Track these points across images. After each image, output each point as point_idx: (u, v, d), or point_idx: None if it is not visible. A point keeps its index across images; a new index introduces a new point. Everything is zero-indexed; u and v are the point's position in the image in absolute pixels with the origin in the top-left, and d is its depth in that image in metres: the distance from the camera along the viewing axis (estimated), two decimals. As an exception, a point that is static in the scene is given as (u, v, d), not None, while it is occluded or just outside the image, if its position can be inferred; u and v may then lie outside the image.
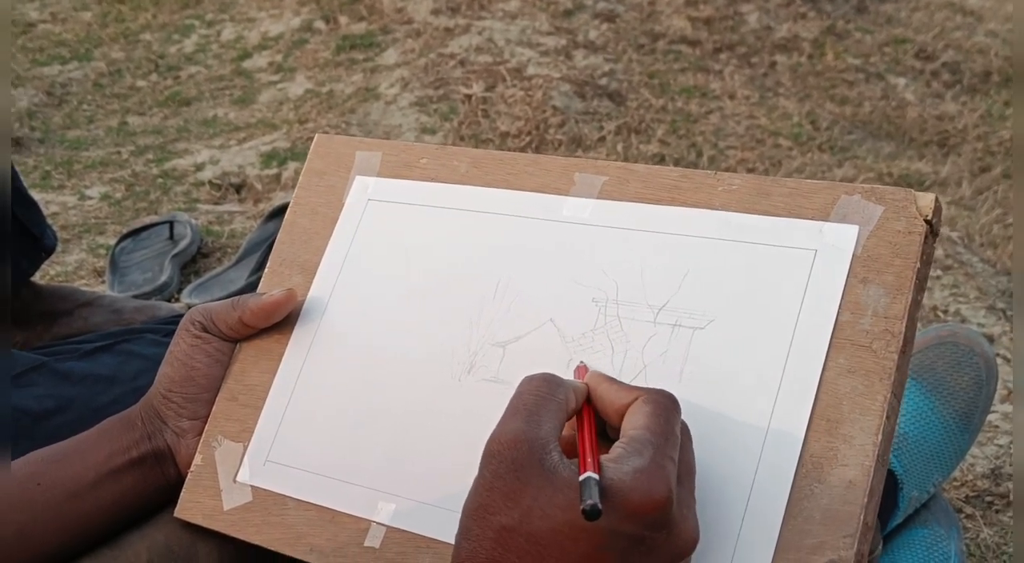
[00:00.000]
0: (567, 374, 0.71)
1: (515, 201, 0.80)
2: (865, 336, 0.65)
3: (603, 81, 2.49)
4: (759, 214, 0.71)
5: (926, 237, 0.67)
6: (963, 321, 1.60)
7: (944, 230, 1.99)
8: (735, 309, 0.69)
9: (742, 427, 0.65)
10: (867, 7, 2.98)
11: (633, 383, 0.69)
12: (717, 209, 0.73)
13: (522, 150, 2.21)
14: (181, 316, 1.46)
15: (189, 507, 0.81)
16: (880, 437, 0.63)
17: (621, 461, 0.57)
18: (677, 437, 0.60)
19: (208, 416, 0.83)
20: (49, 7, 3.07)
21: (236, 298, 0.84)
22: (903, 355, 0.65)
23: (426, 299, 0.80)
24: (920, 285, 0.66)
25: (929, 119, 2.49)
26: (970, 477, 1.33)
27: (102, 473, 0.80)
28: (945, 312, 1.65)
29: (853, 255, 0.67)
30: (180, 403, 0.83)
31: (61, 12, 3.05)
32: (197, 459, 0.82)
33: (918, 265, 0.66)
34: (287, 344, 0.83)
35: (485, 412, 0.74)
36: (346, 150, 0.89)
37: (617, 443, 0.59)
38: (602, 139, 2.28)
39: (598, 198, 0.77)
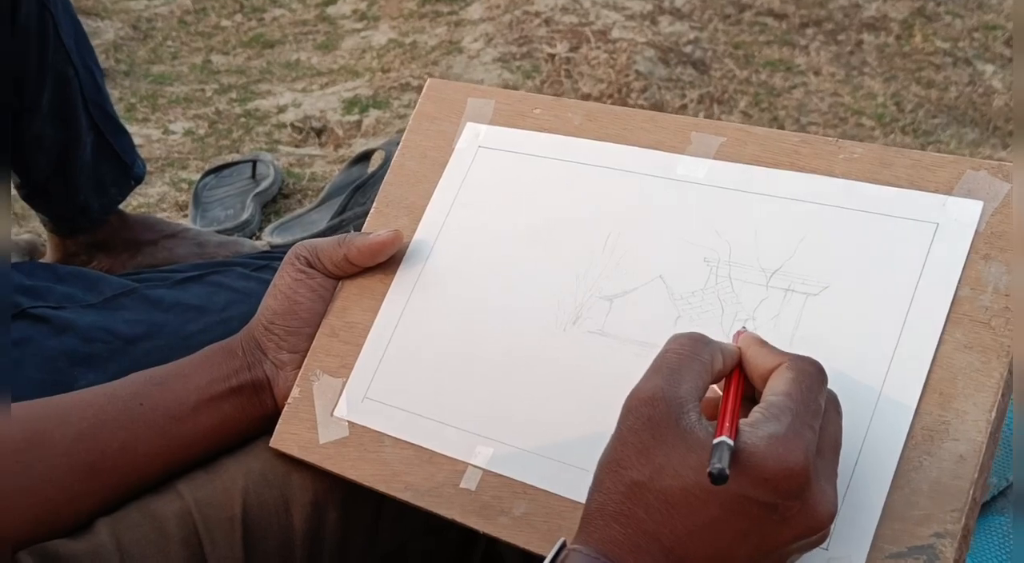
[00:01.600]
0: (673, 330, 0.71)
1: (629, 156, 0.80)
2: (984, 313, 0.65)
3: (687, 49, 2.47)
4: (880, 184, 0.71)
5: None
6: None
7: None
8: (851, 277, 0.69)
9: (853, 395, 0.65)
10: (958, -10, 2.93)
11: None
12: (837, 177, 0.72)
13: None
14: (267, 253, 1.48)
15: (285, 438, 0.82)
16: (994, 414, 0.63)
17: (757, 426, 0.57)
18: (819, 406, 0.59)
19: (308, 350, 0.84)
20: (139, -58, 3.09)
21: (342, 236, 0.84)
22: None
23: (533, 248, 0.80)
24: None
25: (1015, 108, 2.45)
26: None
27: (203, 398, 0.81)
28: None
29: (976, 231, 0.67)
30: (281, 336, 0.84)
31: (151, -53, 3.07)
32: (295, 391, 0.83)
33: None
34: (391, 284, 0.84)
35: (588, 363, 0.74)
36: (458, 96, 0.89)
37: (756, 408, 0.59)
38: (684, 107, 2.27)
39: (714, 158, 0.77)
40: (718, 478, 0.54)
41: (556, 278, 0.78)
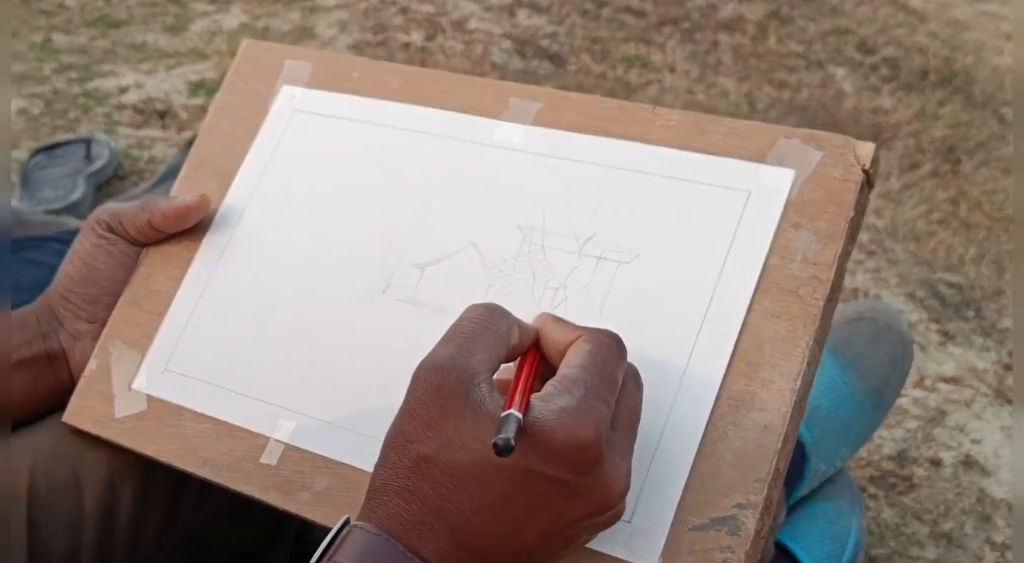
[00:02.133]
0: (485, 299, 0.69)
1: (445, 121, 0.77)
2: (793, 281, 0.64)
3: (544, 42, 2.46)
4: (695, 151, 0.69)
5: (862, 186, 0.65)
6: (878, 300, 1.61)
7: (871, 218, 2.00)
8: (662, 245, 0.67)
9: (660, 364, 0.63)
10: (813, -5, 2.98)
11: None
12: (652, 143, 0.70)
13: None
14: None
15: (79, 412, 0.77)
16: (799, 383, 0.61)
17: (549, 399, 0.54)
18: (616, 379, 0.56)
19: (107, 320, 0.79)
20: (-20, -86, 2.95)
21: (145, 200, 0.80)
22: (829, 303, 0.63)
23: (345, 215, 0.77)
24: (852, 234, 0.65)
25: (864, 111, 2.50)
26: (876, 457, 1.34)
27: None
28: (866, 295, 1.65)
29: (787, 199, 0.66)
30: (79, 304, 0.79)
31: (-8, -80, 2.93)
32: (92, 364, 0.78)
33: (852, 213, 0.65)
34: (197, 251, 0.80)
35: (397, 333, 0.71)
36: (275, 57, 0.86)
37: (550, 382, 0.56)
38: (539, 100, 2.26)
39: (531, 124, 0.75)
40: (503, 449, 0.51)
41: (367, 246, 0.75)
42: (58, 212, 1.73)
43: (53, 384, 0.79)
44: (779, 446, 0.60)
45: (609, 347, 0.57)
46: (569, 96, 0.75)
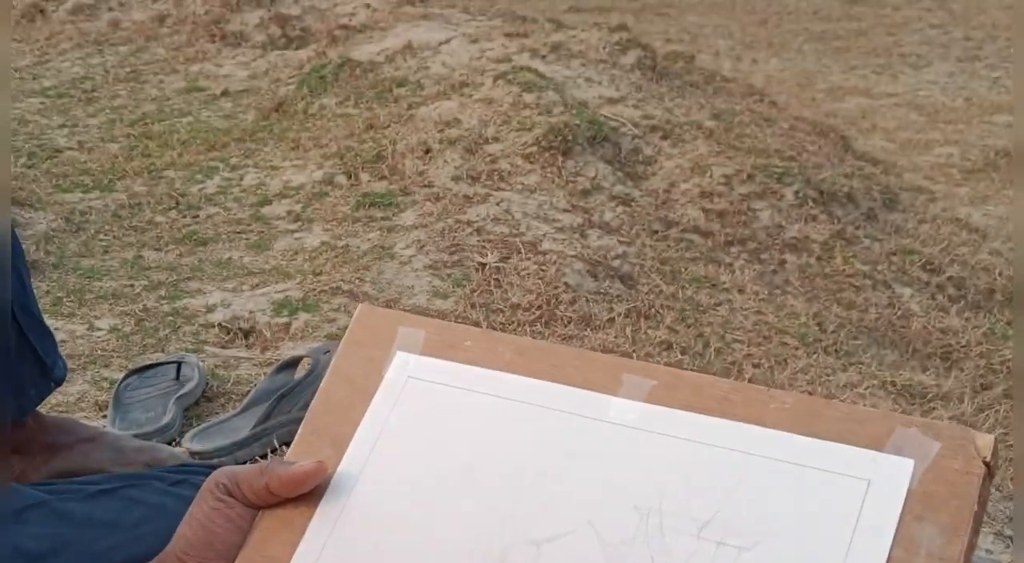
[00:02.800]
0: None
1: (559, 395, 0.79)
2: None
3: (615, 262, 2.52)
4: (811, 436, 0.71)
5: (984, 478, 0.66)
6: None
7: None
8: (783, 533, 0.68)
9: None
10: (876, 215, 3.04)
11: None
12: (768, 426, 0.72)
13: (531, 324, 2.22)
14: (186, 465, 1.45)
15: None
16: None
17: None
18: None
19: None
20: (77, 135, 3.12)
21: (264, 464, 0.82)
22: (957, 598, 0.64)
23: (461, 486, 0.79)
24: (976, 527, 0.65)
25: (933, 331, 2.52)
26: None
27: None
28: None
29: (908, 489, 0.67)
30: None
31: (89, 141, 3.10)
32: None
33: (976, 507, 0.65)
34: (312, 518, 0.81)
35: None
36: (389, 323, 0.89)
37: None
38: (611, 320, 2.30)
39: (645, 402, 0.77)
40: None
41: (483, 519, 0.76)
42: (149, 435, 1.76)
43: None
44: None
45: None
46: (683, 375, 0.77)
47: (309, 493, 0.82)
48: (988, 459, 0.66)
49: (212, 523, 0.81)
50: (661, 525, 0.71)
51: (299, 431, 0.86)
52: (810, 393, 2.10)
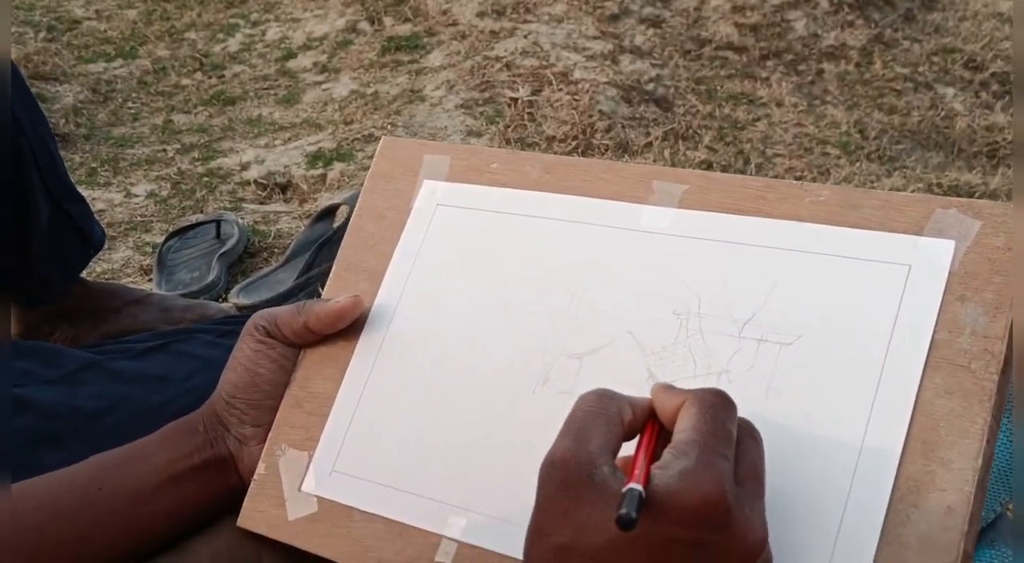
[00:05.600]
0: (646, 387, 0.69)
1: (590, 209, 0.78)
2: (963, 356, 0.63)
3: (649, 86, 2.47)
4: (848, 227, 0.69)
5: None
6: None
7: (996, 242, 1.96)
8: (824, 325, 0.67)
9: (833, 447, 0.63)
10: (915, 16, 2.94)
11: None
12: (804, 221, 0.71)
13: (568, 155, 2.19)
14: (232, 316, 1.46)
15: (252, 516, 0.79)
16: (980, 461, 0.60)
17: (668, 466, 0.55)
18: (729, 433, 0.57)
19: (272, 423, 0.82)
20: (94, 5, 3.07)
21: (301, 303, 0.82)
22: (1003, 376, 0.62)
23: (498, 308, 0.78)
24: (1021, 303, 0.64)
25: (978, 130, 2.46)
26: (1033, 497, 1.30)
27: (163, 478, 0.79)
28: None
29: (950, 271, 0.65)
30: (243, 409, 0.81)
31: (106, 10, 3.05)
32: (260, 468, 0.80)
33: (1020, 282, 0.64)
34: (353, 351, 0.82)
35: (560, 425, 0.72)
36: (413, 153, 0.88)
37: (666, 449, 0.57)
38: (648, 145, 2.26)
39: (678, 207, 0.75)
40: (625, 523, 0.52)
41: (523, 338, 0.76)
42: (195, 294, 1.78)
43: (224, 488, 0.81)
44: (966, 528, 0.59)
45: (716, 404, 0.59)
46: (715, 176, 0.75)
47: (349, 328, 0.82)
48: None
49: (255, 364, 0.82)
50: (701, 328, 0.70)
51: (333, 269, 0.86)
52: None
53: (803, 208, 0.71)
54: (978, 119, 2.49)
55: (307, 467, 0.79)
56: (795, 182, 0.72)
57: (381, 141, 0.90)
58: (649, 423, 0.61)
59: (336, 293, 0.84)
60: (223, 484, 0.81)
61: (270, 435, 0.81)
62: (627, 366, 0.71)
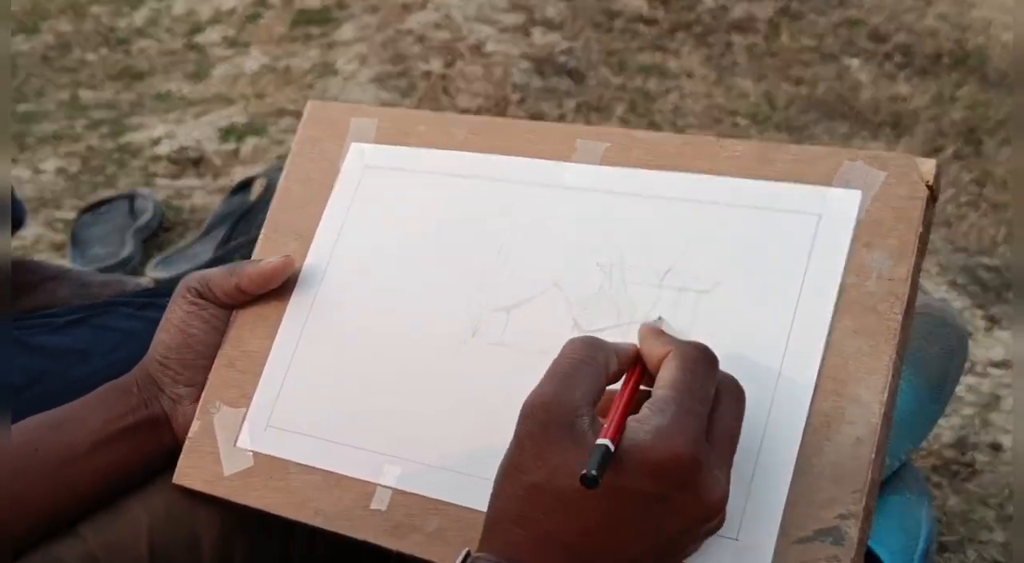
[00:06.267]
0: (571, 336, 0.72)
1: (516, 167, 0.80)
2: (870, 298, 0.67)
3: (562, 58, 2.50)
4: (762, 180, 0.72)
5: (928, 202, 0.68)
6: (926, 294, 1.63)
7: (900, 208, 2.02)
8: (740, 272, 0.70)
9: (749, 388, 0.66)
10: (820, -12, 3.00)
11: None
12: (721, 175, 0.74)
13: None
14: (151, 289, 1.45)
15: (188, 473, 0.81)
16: (886, 395, 0.64)
17: (644, 421, 0.58)
18: (706, 391, 0.61)
19: (204, 383, 0.83)
20: (-4, -22, 3.00)
21: (233, 265, 0.83)
22: (907, 316, 0.66)
23: (426, 265, 0.80)
24: (922, 249, 0.68)
25: (882, 100, 2.52)
26: (936, 446, 1.36)
27: (98, 439, 0.80)
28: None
29: (857, 220, 0.69)
30: (176, 370, 0.83)
31: (9, -17, 2.98)
32: (195, 426, 0.82)
33: (920, 229, 0.67)
34: (285, 310, 0.83)
35: (490, 375, 0.74)
36: (341, 116, 0.89)
37: (645, 403, 0.60)
38: (562, 117, 2.29)
39: (600, 164, 0.78)
40: (589, 482, 0.55)
41: (452, 293, 0.78)
42: (111, 269, 1.77)
43: (158, 447, 0.82)
44: (873, 456, 0.63)
45: (697, 360, 0.62)
46: (636, 134, 0.78)
47: (280, 288, 0.84)
48: (931, 183, 0.68)
49: (188, 326, 0.83)
50: (624, 279, 0.73)
51: (262, 231, 0.87)
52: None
53: (719, 163, 0.74)
54: (882, 90, 2.56)
55: (241, 423, 0.80)
56: (711, 138, 0.75)
57: (308, 105, 0.91)
58: (631, 373, 0.64)
59: (266, 254, 0.85)
60: (158, 443, 0.82)
61: (203, 394, 0.82)
62: (553, 317, 0.74)
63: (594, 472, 0.55)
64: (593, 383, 0.61)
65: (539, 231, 0.77)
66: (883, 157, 0.70)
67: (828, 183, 0.71)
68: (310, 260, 0.84)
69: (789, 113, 2.41)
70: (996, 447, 1.36)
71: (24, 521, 0.77)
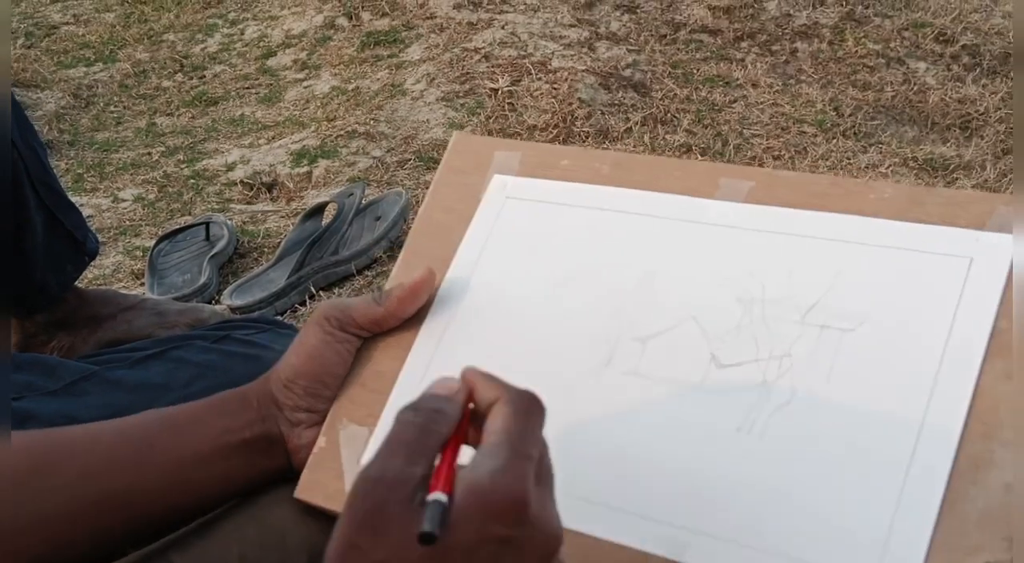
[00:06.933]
0: (708, 369, 0.72)
1: (659, 202, 0.80)
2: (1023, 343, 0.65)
3: (627, 72, 2.50)
4: (912, 222, 0.72)
5: None
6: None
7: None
8: (887, 313, 0.69)
9: (894, 428, 0.65)
10: (883, -8, 2.98)
11: (776, 384, 0.70)
12: (868, 216, 0.73)
13: (550, 142, 2.21)
14: (226, 321, 1.46)
15: (310, 487, 0.81)
16: None
17: (476, 466, 0.58)
18: (537, 436, 0.61)
19: (324, 411, 0.83)
20: (71, 9, 3.05)
21: (374, 294, 0.84)
22: (1060, 361, 0.65)
23: (563, 294, 0.80)
24: None
25: (951, 102, 2.50)
26: None
27: (215, 447, 0.80)
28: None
29: (1011, 263, 0.68)
30: (300, 395, 0.82)
31: (84, 14, 3.03)
32: (321, 441, 0.82)
33: None
34: (418, 332, 0.83)
35: (623, 404, 0.74)
36: (485, 149, 0.89)
37: (477, 450, 0.60)
38: (628, 130, 2.29)
39: (744, 202, 0.77)
40: (426, 540, 0.55)
41: (587, 321, 0.78)
42: (187, 297, 1.78)
43: (271, 465, 0.82)
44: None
45: (527, 407, 0.62)
46: (780, 175, 0.77)
47: (416, 312, 0.84)
48: None
49: (321, 354, 0.83)
50: (764, 314, 0.73)
51: (400, 256, 0.88)
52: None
53: (867, 204, 0.73)
54: (950, 92, 2.53)
55: (367, 442, 0.80)
56: (860, 180, 0.75)
57: (454, 136, 0.92)
58: (455, 431, 0.63)
59: (403, 279, 0.85)
60: (269, 461, 0.82)
61: (331, 410, 0.83)
62: (690, 349, 0.74)
63: (427, 528, 0.55)
64: (424, 446, 0.60)
65: (679, 264, 0.77)
66: None
67: (981, 227, 0.70)
68: (447, 286, 0.84)
69: (856, 119, 2.39)
70: None
71: (131, 514, 0.77)
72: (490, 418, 0.62)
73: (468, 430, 0.64)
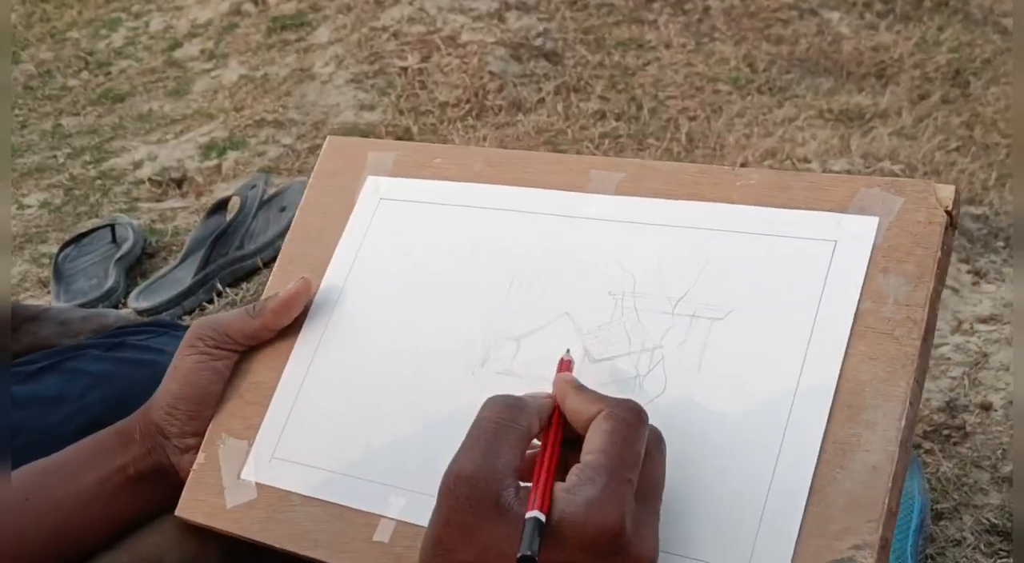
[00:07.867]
0: (581, 365, 0.71)
1: (531, 198, 0.80)
2: (887, 324, 0.65)
3: (538, 41, 2.47)
4: (778, 207, 0.72)
5: (947, 227, 0.67)
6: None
7: (886, 163, 2.01)
8: (754, 300, 0.69)
9: (763, 414, 0.65)
10: (793, -58, 2.97)
11: (648, 376, 0.70)
12: (736, 203, 0.73)
13: (462, 119, 2.19)
14: (120, 328, 1.43)
15: (190, 506, 0.80)
16: (903, 423, 0.63)
17: (574, 491, 0.57)
18: (637, 454, 0.59)
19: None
20: (-34, 10, 2.97)
21: (249, 307, 0.83)
22: (925, 342, 0.65)
23: (438, 295, 0.80)
24: (941, 275, 0.67)
25: (865, 51, 2.50)
26: (925, 412, 1.35)
27: (97, 492, 0.79)
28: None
29: (874, 245, 0.68)
30: (184, 421, 0.81)
31: (-22, 14, 2.95)
32: (200, 457, 0.81)
33: (939, 254, 0.66)
34: (296, 341, 0.83)
35: None
36: (358, 151, 0.89)
37: (573, 469, 0.59)
38: (541, 101, 2.27)
39: (615, 194, 0.77)
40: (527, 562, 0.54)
41: (463, 323, 0.78)
42: (94, 302, 1.75)
43: (160, 496, 0.81)
44: (889, 485, 0.62)
45: (629, 423, 0.60)
46: (651, 164, 0.78)
47: (292, 322, 0.83)
48: (950, 208, 0.68)
49: (198, 376, 0.82)
50: (635, 307, 0.73)
51: (276, 264, 0.88)
52: (747, 136, 2.11)
53: (734, 192, 0.74)
54: (864, 40, 2.53)
55: (247, 455, 0.79)
56: (727, 168, 0.75)
57: (327, 140, 0.91)
58: (551, 431, 0.63)
59: (279, 287, 0.84)
60: (160, 493, 0.81)
61: (210, 426, 0.82)
62: (564, 345, 0.73)
63: (528, 552, 0.54)
64: (517, 449, 0.60)
65: (551, 261, 0.77)
66: (900, 183, 0.69)
67: (844, 210, 0.70)
68: (322, 291, 0.84)
69: (771, 74, 2.39)
70: (986, 407, 1.35)
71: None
72: (590, 432, 0.60)
73: (562, 435, 0.63)
